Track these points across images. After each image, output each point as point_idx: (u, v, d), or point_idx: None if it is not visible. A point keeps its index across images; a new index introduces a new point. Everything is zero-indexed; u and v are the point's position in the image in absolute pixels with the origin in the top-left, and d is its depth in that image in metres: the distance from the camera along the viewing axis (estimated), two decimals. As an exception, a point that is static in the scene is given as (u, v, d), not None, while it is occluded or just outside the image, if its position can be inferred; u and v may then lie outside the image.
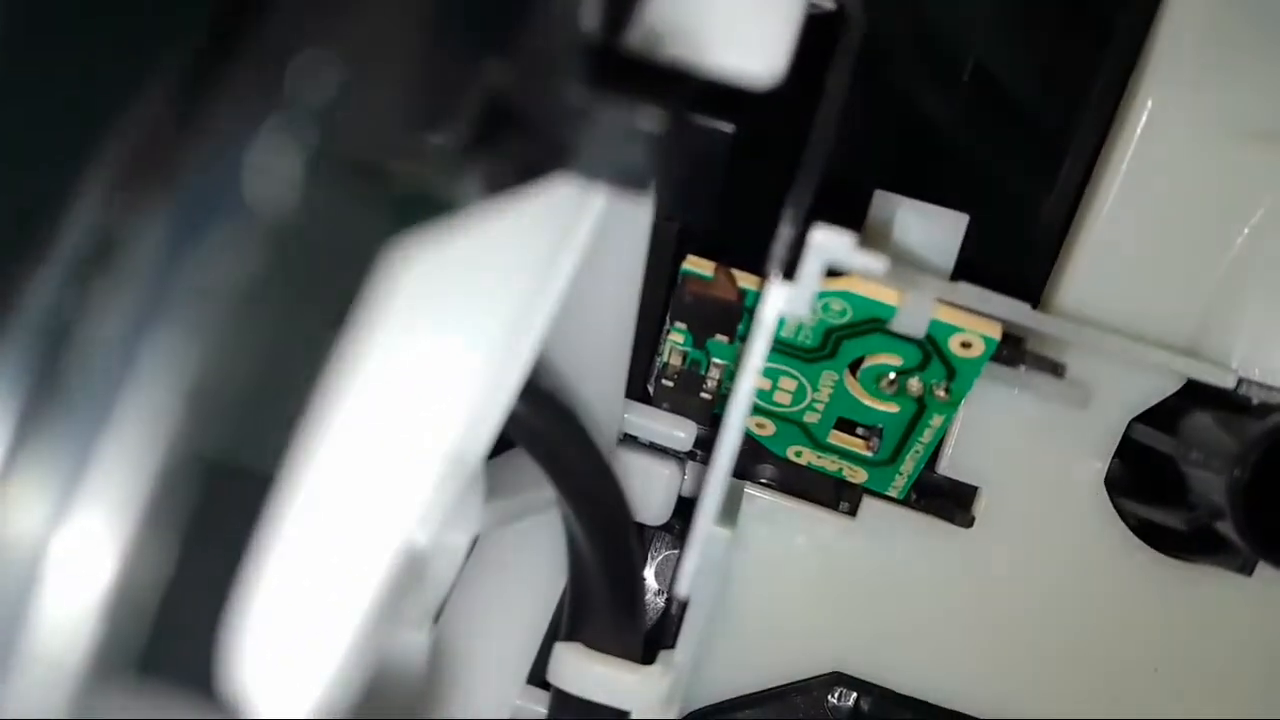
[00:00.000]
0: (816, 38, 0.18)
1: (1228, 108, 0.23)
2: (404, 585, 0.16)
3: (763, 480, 0.27)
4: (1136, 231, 0.24)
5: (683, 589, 0.20)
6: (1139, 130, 0.23)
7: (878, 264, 0.18)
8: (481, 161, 0.12)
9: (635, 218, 0.20)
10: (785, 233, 0.18)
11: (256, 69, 0.08)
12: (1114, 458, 0.25)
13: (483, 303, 0.12)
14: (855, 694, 0.27)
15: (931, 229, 0.23)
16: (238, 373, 0.07)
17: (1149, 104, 0.23)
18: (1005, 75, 0.23)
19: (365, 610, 0.11)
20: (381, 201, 0.10)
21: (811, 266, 0.18)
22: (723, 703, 0.26)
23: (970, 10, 0.23)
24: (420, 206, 0.10)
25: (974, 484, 0.26)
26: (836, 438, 0.25)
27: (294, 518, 0.09)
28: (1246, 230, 0.23)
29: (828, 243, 0.18)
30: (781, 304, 0.18)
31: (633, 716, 0.22)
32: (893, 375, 0.23)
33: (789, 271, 0.18)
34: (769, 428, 0.25)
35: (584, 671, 0.22)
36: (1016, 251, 0.25)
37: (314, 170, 0.08)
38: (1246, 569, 0.25)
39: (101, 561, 0.07)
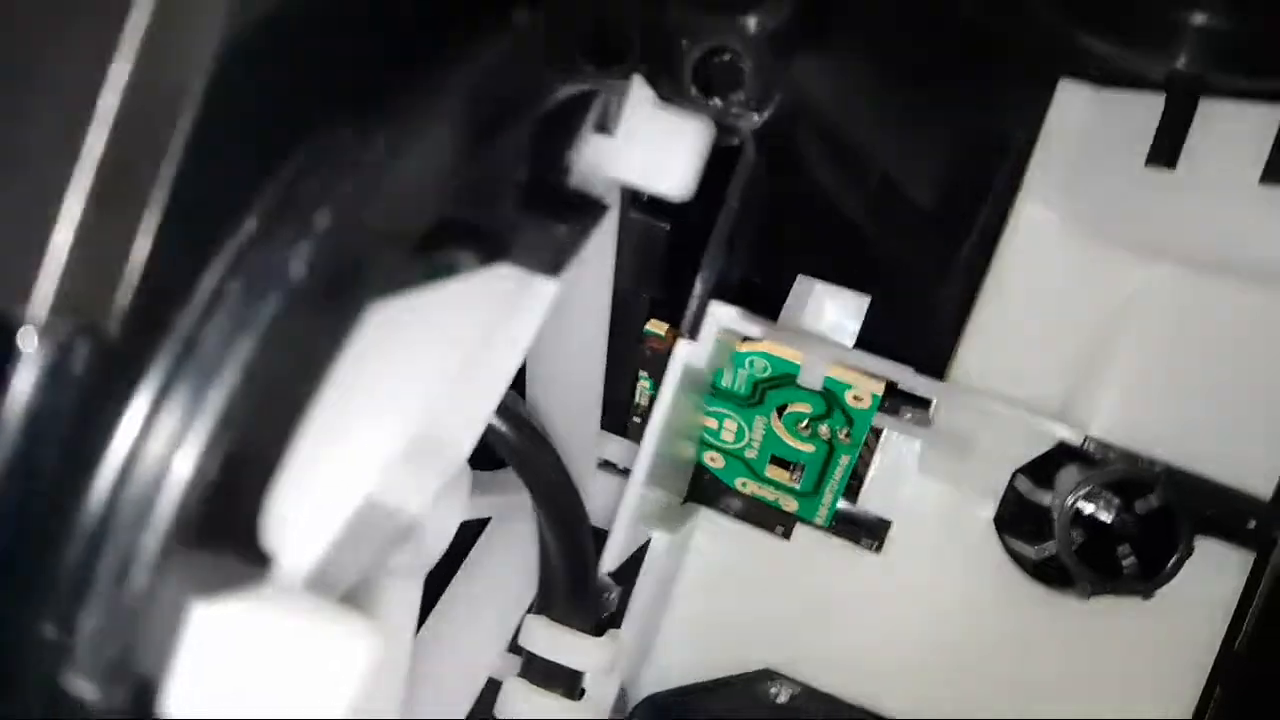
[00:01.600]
0: (725, 162, 0.24)
1: (1092, 215, 0.29)
2: (398, 537, 0.22)
3: (719, 508, 0.33)
4: (1017, 316, 0.29)
5: (607, 563, 0.26)
6: (1019, 231, 0.29)
7: (755, 329, 0.24)
8: (449, 252, 0.18)
9: (595, 291, 0.26)
10: (692, 304, 0.24)
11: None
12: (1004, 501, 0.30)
13: (447, 332, 0.18)
14: (782, 688, 0.32)
15: (839, 306, 0.29)
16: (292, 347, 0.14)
17: (1026, 209, 0.29)
18: (909, 184, 0.29)
19: (363, 493, 0.17)
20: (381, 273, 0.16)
21: (709, 329, 0.24)
22: (671, 690, 0.32)
23: (878, 131, 0.29)
24: (407, 280, 0.17)
25: (887, 517, 0.32)
26: (772, 471, 0.31)
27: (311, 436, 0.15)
28: (1100, 319, 0.29)
29: (719, 313, 0.24)
30: (687, 355, 0.25)
31: (584, 675, 0.28)
32: (806, 421, 0.29)
33: (693, 332, 0.24)
34: (719, 461, 0.31)
35: (548, 638, 0.28)
36: (923, 329, 0.31)
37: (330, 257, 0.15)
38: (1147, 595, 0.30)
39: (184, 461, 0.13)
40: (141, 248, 0.13)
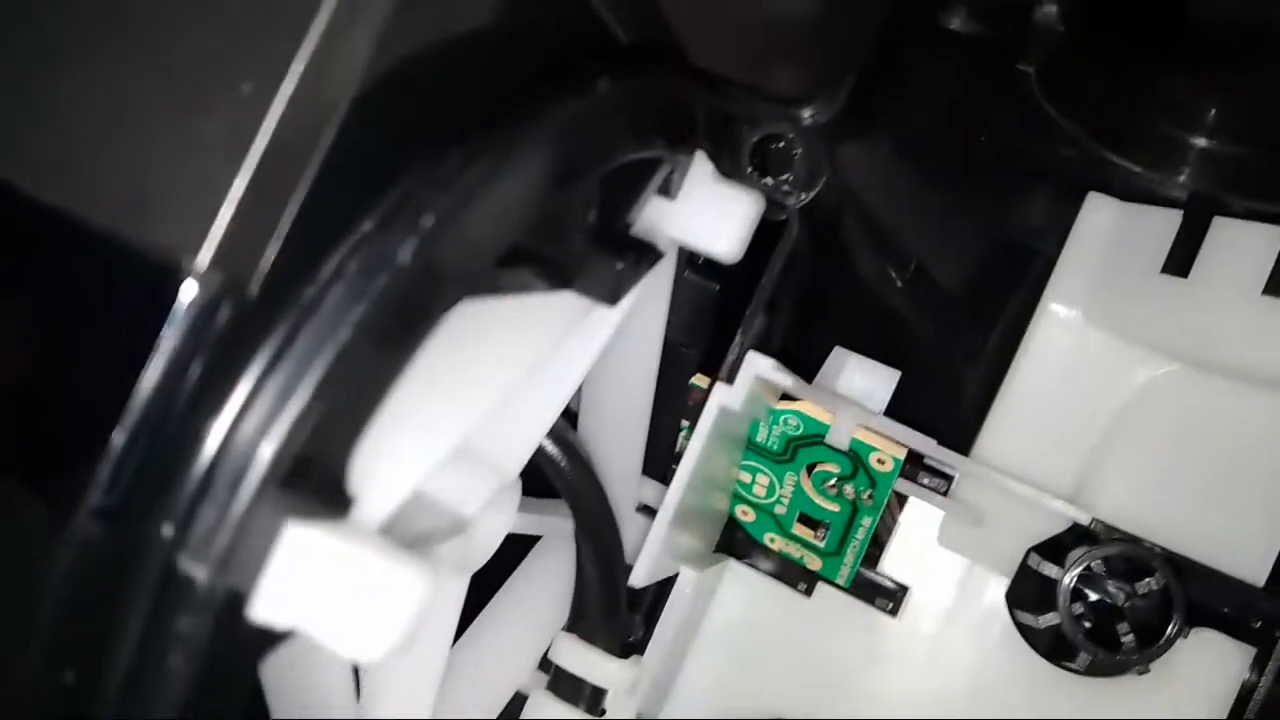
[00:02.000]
0: (774, 234, 0.28)
1: (1111, 314, 0.31)
2: (451, 530, 0.25)
3: (747, 562, 0.35)
4: (1038, 402, 0.32)
5: (638, 579, 0.28)
6: (1043, 325, 0.32)
7: (788, 380, 0.27)
8: (523, 271, 0.21)
9: (647, 340, 0.29)
10: (731, 351, 0.27)
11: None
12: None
13: (514, 340, 0.22)
14: (794, 736, 0.34)
15: (871, 378, 0.31)
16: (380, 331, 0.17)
17: (1051, 305, 0.32)
18: (943, 273, 0.32)
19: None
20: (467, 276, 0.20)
21: (745, 375, 0.27)
22: (685, 721, 0.34)
23: (916, 222, 0.32)
24: (488, 287, 0.20)
25: (905, 583, 0.34)
26: (799, 529, 0.33)
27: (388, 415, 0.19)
28: (1114, 410, 0.31)
29: (756, 361, 0.27)
30: (723, 397, 0.27)
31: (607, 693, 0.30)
32: (833, 480, 0.32)
33: (730, 377, 0.27)
34: (750, 514, 0.34)
35: (577, 654, 0.30)
36: (950, 407, 0.33)
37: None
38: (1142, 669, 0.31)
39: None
40: (284, 226, 0.16)
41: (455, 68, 0.19)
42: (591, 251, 0.22)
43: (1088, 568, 0.29)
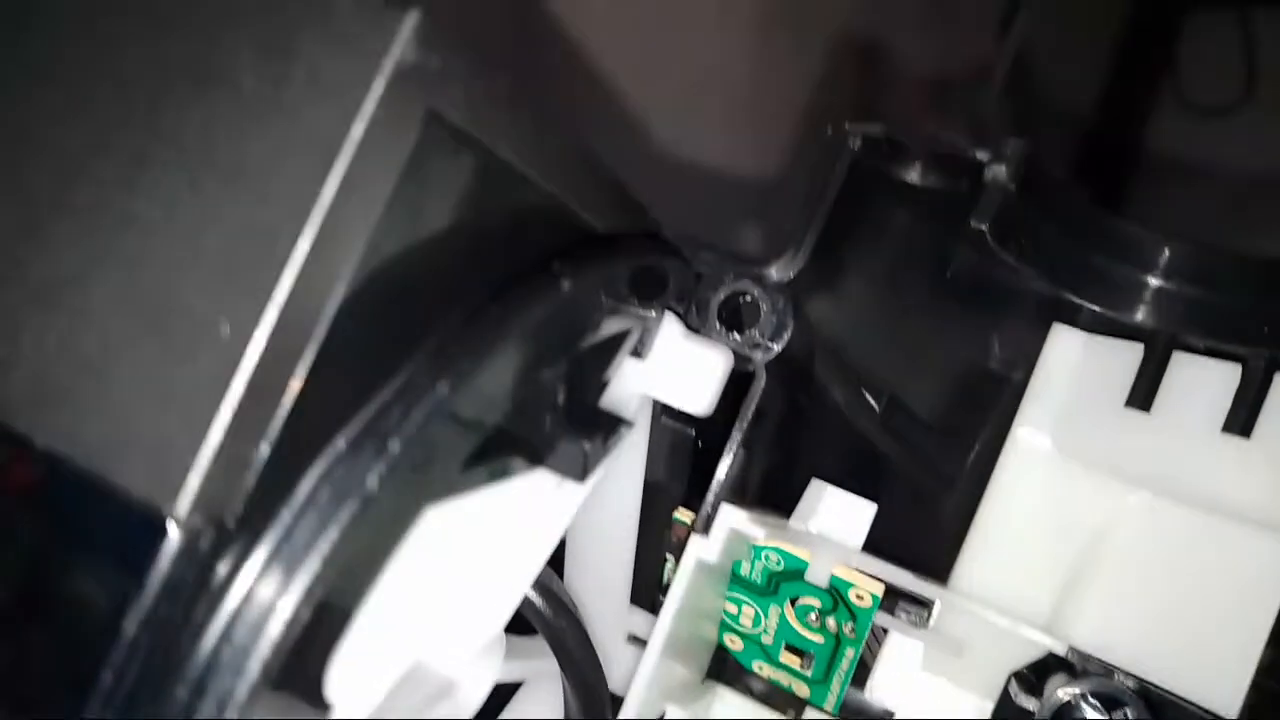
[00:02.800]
0: (739, 385, 0.28)
1: (1079, 444, 0.32)
2: (438, 694, 0.25)
3: (737, 688, 0.36)
4: (1012, 531, 0.32)
5: (627, 713, 0.29)
6: (1014, 454, 0.32)
7: (760, 532, 0.28)
8: (498, 462, 0.22)
9: (628, 483, 0.30)
10: (705, 505, 0.28)
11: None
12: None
13: (488, 527, 0.22)
14: None
15: (848, 511, 0.32)
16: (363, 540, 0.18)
17: (1021, 435, 0.32)
18: (915, 404, 0.33)
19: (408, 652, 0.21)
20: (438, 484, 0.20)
21: (719, 529, 0.28)
22: None
23: (885, 357, 0.33)
24: (460, 487, 0.21)
25: (891, 709, 0.34)
26: (785, 657, 0.34)
27: (369, 611, 0.19)
28: (1085, 537, 0.32)
29: (730, 515, 0.28)
30: (699, 550, 0.28)
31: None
32: (815, 614, 0.32)
33: (705, 529, 0.28)
34: (738, 643, 0.34)
35: (565, 798, 0.30)
36: (927, 534, 0.34)
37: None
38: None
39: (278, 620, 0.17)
40: (259, 461, 0.17)
41: (429, 279, 0.20)
42: (560, 431, 0.23)
43: (1065, 702, 0.29)
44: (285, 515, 0.18)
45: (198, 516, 0.16)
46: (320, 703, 0.19)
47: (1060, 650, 0.31)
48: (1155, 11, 0.72)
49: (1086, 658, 0.30)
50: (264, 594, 0.17)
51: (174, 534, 0.16)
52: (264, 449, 0.17)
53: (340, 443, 0.18)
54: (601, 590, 0.33)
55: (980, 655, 0.32)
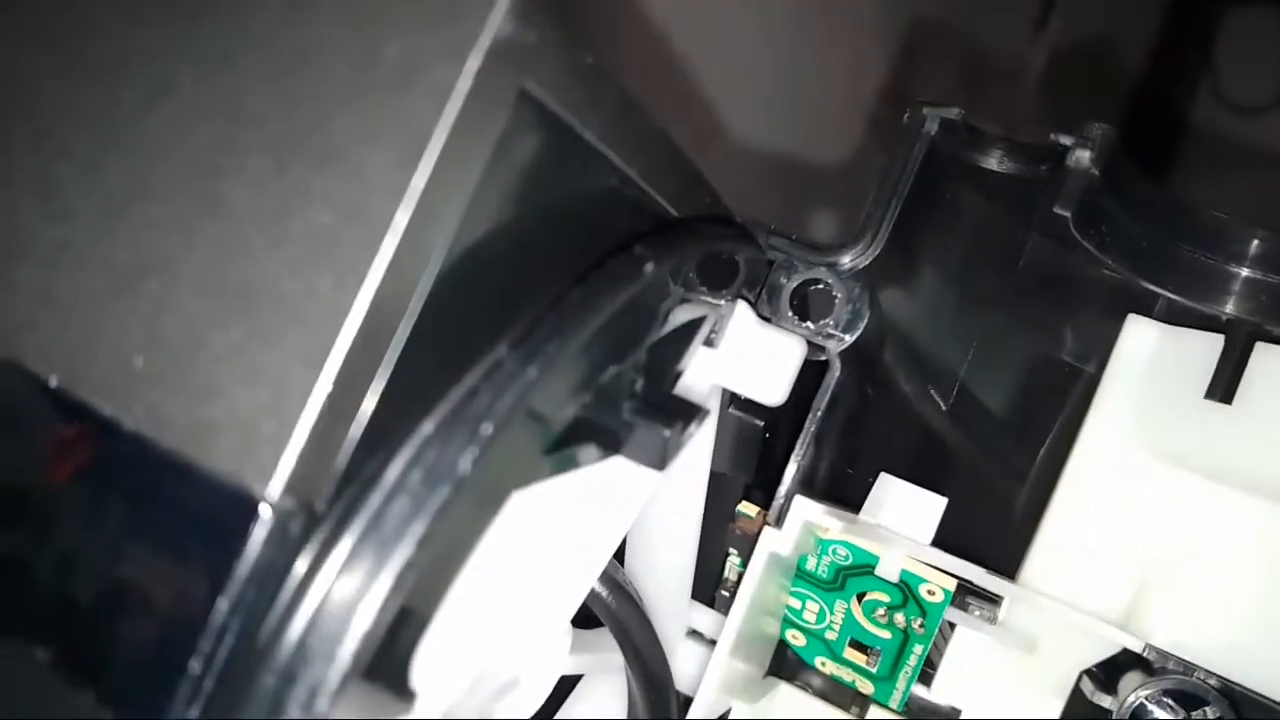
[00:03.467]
0: (819, 377, 0.28)
1: (1156, 438, 0.31)
2: (506, 687, 0.25)
3: (798, 684, 0.35)
4: (1085, 525, 0.32)
5: (696, 713, 0.28)
6: (1088, 447, 0.32)
7: (837, 524, 0.27)
8: (577, 448, 0.22)
9: (693, 475, 0.29)
10: (778, 497, 0.27)
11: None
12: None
13: (567, 514, 0.22)
14: None
15: (918, 505, 0.31)
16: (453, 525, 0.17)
17: (1095, 428, 0.32)
18: (986, 396, 0.32)
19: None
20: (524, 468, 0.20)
21: (793, 521, 0.27)
22: None
23: (958, 348, 0.32)
24: (543, 473, 0.21)
25: (958, 707, 0.33)
26: (850, 654, 0.33)
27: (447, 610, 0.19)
28: (1162, 532, 0.31)
29: (804, 507, 0.27)
30: (772, 544, 0.28)
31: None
32: (883, 609, 0.32)
33: (779, 522, 0.27)
34: (801, 639, 0.34)
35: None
36: (997, 528, 0.33)
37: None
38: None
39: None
40: (350, 444, 0.17)
41: (514, 261, 0.20)
42: (639, 419, 0.22)
43: (1142, 701, 0.29)
44: (375, 499, 0.17)
45: (289, 499, 0.16)
46: (406, 693, 0.18)
47: (1138, 648, 0.30)
48: (1194, 8, 0.71)
49: (1166, 655, 0.30)
50: (354, 580, 0.17)
51: (266, 517, 0.16)
52: (355, 431, 0.17)
53: (428, 426, 0.18)
54: (663, 583, 0.32)
55: (1051, 652, 0.32)
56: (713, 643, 0.35)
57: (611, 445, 0.22)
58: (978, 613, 0.31)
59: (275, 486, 0.16)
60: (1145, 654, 0.30)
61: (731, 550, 0.33)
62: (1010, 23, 0.71)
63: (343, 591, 0.17)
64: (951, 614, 0.31)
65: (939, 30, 0.63)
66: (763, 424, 0.29)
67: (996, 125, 0.28)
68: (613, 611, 0.29)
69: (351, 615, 0.17)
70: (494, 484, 0.19)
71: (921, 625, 0.31)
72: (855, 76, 0.56)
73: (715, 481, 0.32)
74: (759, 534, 0.31)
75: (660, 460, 0.23)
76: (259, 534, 0.16)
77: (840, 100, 0.55)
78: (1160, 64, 0.71)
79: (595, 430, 0.22)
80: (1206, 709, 0.29)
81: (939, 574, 0.30)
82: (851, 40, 0.58)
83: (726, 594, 0.34)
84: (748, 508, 0.32)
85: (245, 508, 0.16)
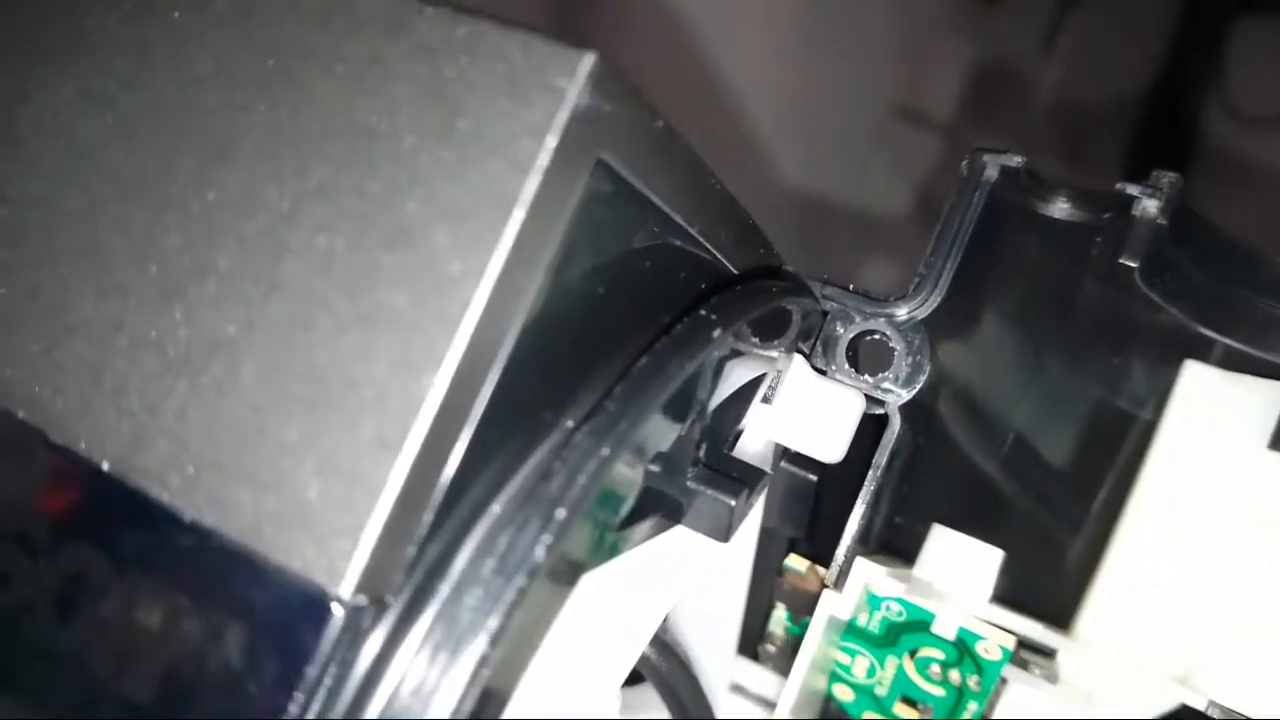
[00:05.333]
0: (873, 429, 0.27)
1: (1217, 489, 0.30)
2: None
3: (846, 741, 0.34)
4: (1144, 577, 0.31)
5: None
6: (1145, 496, 0.31)
7: (899, 587, 0.26)
8: (644, 524, 0.21)
9: (744, 531, 0.29)
10: (838, 558, 0.26)
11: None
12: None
13: (633, 587, 0.21)
14: None
15: (975, 559, 0.30)
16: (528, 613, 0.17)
17: (1152, 478, 0.31)
18: (1042, 444, 0.31)
19: None
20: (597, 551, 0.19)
21: (854, 584, 0.26)
22: None
23: (1013, 396, 0.31)
24: (613, 551, 0.20)
25: (1012, 763, 0.32)
26: (900, 709, 0.32)
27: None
28: (1222, 585, 0.30)
29: (866, 569, 0.26)
30: (833, 608, 0.27)
31: None
32: (937, 666, 0.31)
33: (839, 585, 0.26)
34: (849, 694, 0.33)
35: None
36: (1053, 578, 0.32)
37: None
38: None
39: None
40: (419, 536, 0.16)
41: (584, 331, 0.19)
42: (703, 487, 0.22)
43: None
44: (444, 588, 0.16)
45: (362, 595, 0.15)
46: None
47: (1200, 704, 0.29)
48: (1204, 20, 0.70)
49: (1229, 712, 0.29)
50: (427, 673, 0.16)
51: (338, 615, 0.15)
52: (426, 519, 0.16)
53: (495, 508, 0.17)
54: (709, 638, 0.31)
55: (1109, 708, 0.31)
56: (757, 698, 0.34)
57: (674, 515, 0.22)
58: (1038, 671, 0.30)
59: (349, 584, 0.15)
60: (1209, 711, 0.29)
61: (778, 604, 0.32)
62: (1020, 38, 0.71)
63: (414, 686, 0.16)
64: (1009, 672, 0.30)
65: (949, 47, 0.63)
66: (816, 479, 0.29)
67: (1048, 170, 0.27)
68: (661, 673, 0.28)
69: (426, 710, 0.16)
70: (567, 568, 0.18)
71: (978, 683, 0.30)
72: (865, 97, 0.55)
73: (762, 536, 0.31)
74: (807, 589, 0.31)
75: (725, 532, 0.22)
76: (330, 634, 0.15)
77: (852, 125, 0.54)
78: (1171, 77, 0.70)
79: (660, 501, 0.21)
80: (1277, 771, 0.28)
81: (997, 631, 0.29)
82: (861, 59, 0.58)
83: (772, 648, 0.33)
84: (797, 561, 0.31)
85: (317, 607, 0.15)
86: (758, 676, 0.34)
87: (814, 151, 0.58)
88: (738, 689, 0.34)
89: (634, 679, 0.30)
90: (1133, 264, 0.25)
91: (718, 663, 0.32)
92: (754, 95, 0.54)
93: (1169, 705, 0.30)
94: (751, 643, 0.34)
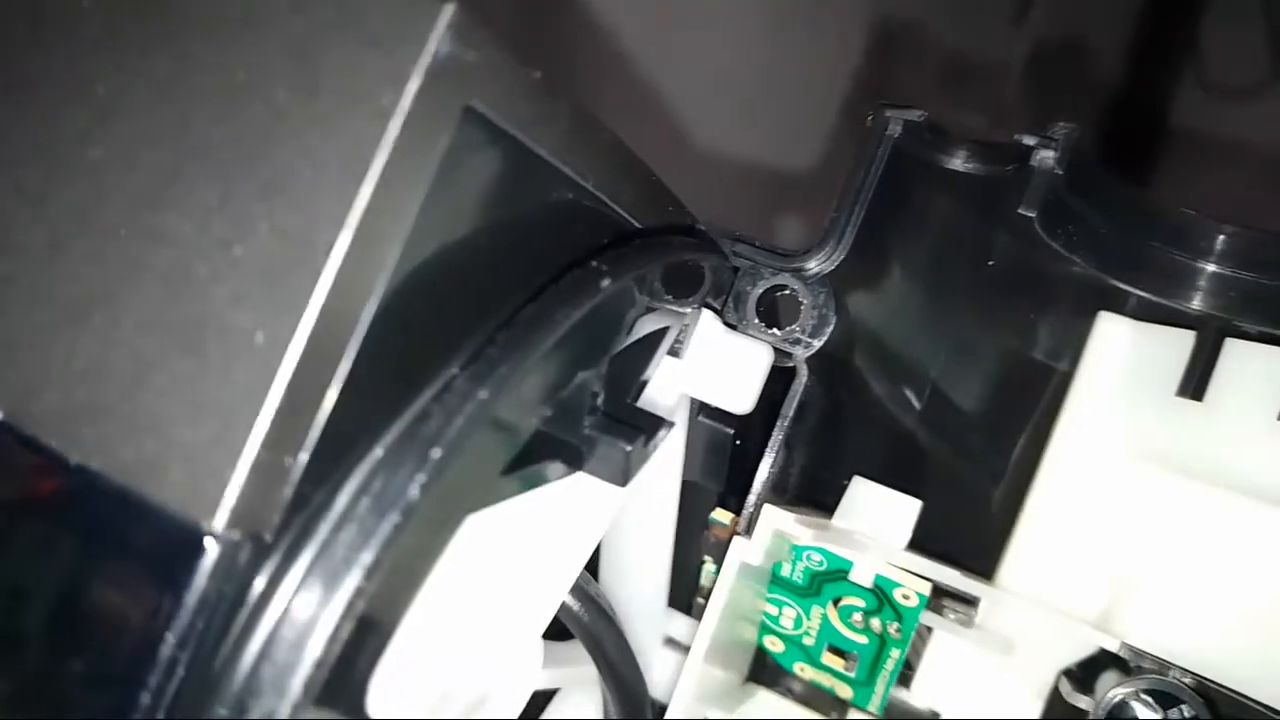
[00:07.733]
0: (783, 381, 0.28)
1: (1129, 436, 0.31)
2: (475, 705, 0.25)
3: (778, 690, 0.35)
4: (1060, 525, 0.32)
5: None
6: (1061, 447, 0.31)
7: (807, 532, 0.27)
8: (537, 467, 0.22)
9: (665, 485, 0.29)
10: (747, 506, 0.27)
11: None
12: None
13: (526, 534, 0.22)
14: None
15: (892, 509, 0.31)
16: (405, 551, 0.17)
17: (1069, 427, 0.31)
18: (958, 396, 0.32)
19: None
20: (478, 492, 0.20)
21: (763, 530, 0.27)
22: None
23: (928, 349, 0.32)
24: (500, 495, 0.21)
25: (937, 710, 0.33)
26: (828, 659, 0.33)
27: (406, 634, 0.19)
28: (1136, 531, 0.31)
29: (774, 515, 0.27)
30: (742, 553, 0.27)
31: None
32: (859, 615, 0.31)
33: (749, 531, 0.27)
34: (779, 645, 0.34)
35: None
36: (973, 529, 0.33)
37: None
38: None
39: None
40: (296, 472, 0.17)
41: (466, 280, 0.19)
42: (600, 433, 0.22)
43: (1119, 700, 0.29)
44: (323, 528, 0.17)
45: (235, 531, 0.16)
46: (363, 718, 0.18)
47: (1114, 647, 0.30)
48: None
49: (1141, 654, 0.30)
50: (305, 609, 0.17)
51: (212, 549, 0.16)
52: (301, 459, 0.17)
53: (378, 451, 0.18)
54: (638, 593, 0.32)
55: (1029, 653, 0.32)
56: (689, 650, 0.35)
57: (573, 461, 0.22)
58: (953, 616, 0.31)
59: (220, 518, 0.16)
60: (1121, 653, 0.30)
61: (707, 558, 0.33)
62: (988, 16, 0.71)
63: (293, 621, 0.17)
64: (927, 618, 0.31)
65: (916, 27, 0.63)
66: (733, 432, 0.29)
67: (978, 121, 0.28)
68: (584, 624, 0.28)
69: (303, 644, 0.17)
70: (447, 507, 0.18)
71: (898, 630, 0.31)
72: (831, 77, 0.56)
73: (690, 489, 0.32)
74: (730, 542, 0.31)
75: (622, 476, 0.22)
76: (205, 566, 0.16)
77: (815, 102, 0.54)
78: (1143, 51, 0.71)
79: (556, 447, 0.22)
80: (1183, 707, 0.28)
81: (914, 578, 0.30)
82: (827, 40, 0.58)
83: (703, 601, 0.34)
84: (722, 515, 0.32)
85: (191, 540, 0.16)
86: (691, 629, 0.34)
87: (781, 126, 0.58)
88: (671, 642, 0.34)
89: (565, 635, 0.31)
90: (1030, 214, 0.26)
91: (648, 616, 0.33)
92: (721, 71, 0.55)
93: (1086, 650, 0.31)
94: (685, 597, 0.34)
